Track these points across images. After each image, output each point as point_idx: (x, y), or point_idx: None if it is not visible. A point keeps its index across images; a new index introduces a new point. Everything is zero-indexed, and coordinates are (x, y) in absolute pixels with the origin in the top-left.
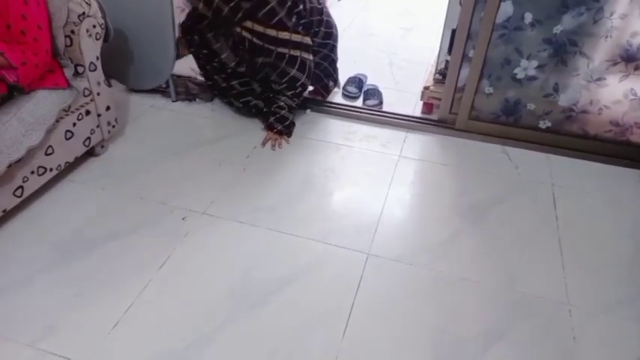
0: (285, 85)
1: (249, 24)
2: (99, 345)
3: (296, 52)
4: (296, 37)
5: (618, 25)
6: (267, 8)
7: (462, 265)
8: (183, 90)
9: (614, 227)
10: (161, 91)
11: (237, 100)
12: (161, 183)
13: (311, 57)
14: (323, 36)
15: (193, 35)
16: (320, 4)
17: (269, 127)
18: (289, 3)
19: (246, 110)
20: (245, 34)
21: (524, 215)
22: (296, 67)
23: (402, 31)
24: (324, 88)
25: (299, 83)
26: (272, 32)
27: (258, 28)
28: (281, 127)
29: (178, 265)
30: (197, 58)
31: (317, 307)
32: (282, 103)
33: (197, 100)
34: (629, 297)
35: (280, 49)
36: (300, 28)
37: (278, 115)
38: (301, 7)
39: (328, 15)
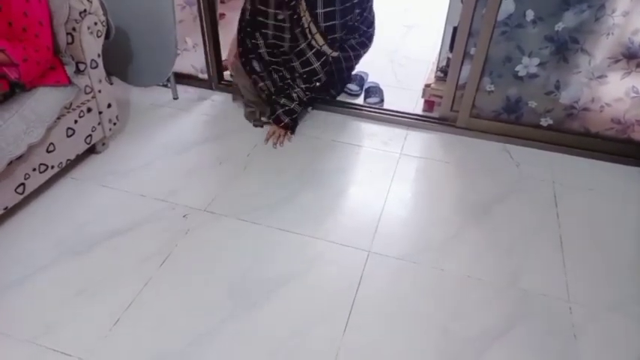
0: (304, 75)
1: (303, 5)
2: (99, 342)
3: (327, 50)
4: (325, 49)
5: (620, 23)
6: None
7: (463, 263)
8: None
9: (615, 225)
10: (162, 88)
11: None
12: (162, 180)
13: (335, 55)
14: (368, 37)
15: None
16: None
17: (276, 121)
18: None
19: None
20: (300, 13)
21: (525, 213)
22: (320, 62)
23: (404, 29)
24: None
25: (316, 77)
26: (313, 29)
27: (307, 17)
28: (288, 120)
29: (179, 263)
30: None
31: (318, 304)
32: (294, 95)
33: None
34: (630, 295)
35: (313, 42)
36: (336, 43)
37: (287, 108)
38: (358, 11)
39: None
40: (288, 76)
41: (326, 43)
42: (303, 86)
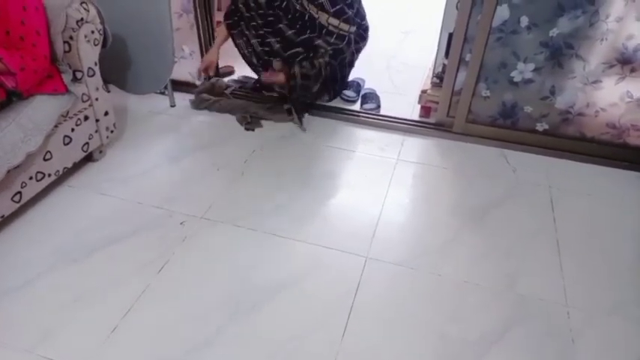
0: (330, 52)
1: (305, 1)
2: (97, 349)
3: (344, 27)
4: (343, 27)
5: (614, 28)
6: None
7: (461, 268)
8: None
9: (612, 229)
10: (159, 95)
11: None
12: (159, 188)
13: (354, 30)
14: (364, 29)
15: None
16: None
17: (287, 71)
18: None
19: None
20: (299, 8)
21: (522, 218)
22: (345, 42)
23: (400, 35)
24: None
25: (343, 56)
26: (323, 16)
27: (312, 8)
28: (298, 82)
29: (177, 270)
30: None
31: (315, 310)
32: (316, 63)
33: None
34: (628, 298)
35: (331, 28)
36: (349, 19)
37: (305, 72)
38: (357, 5)
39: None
40: (312, 54)
41: (341, 21)
42: (327, 59)
